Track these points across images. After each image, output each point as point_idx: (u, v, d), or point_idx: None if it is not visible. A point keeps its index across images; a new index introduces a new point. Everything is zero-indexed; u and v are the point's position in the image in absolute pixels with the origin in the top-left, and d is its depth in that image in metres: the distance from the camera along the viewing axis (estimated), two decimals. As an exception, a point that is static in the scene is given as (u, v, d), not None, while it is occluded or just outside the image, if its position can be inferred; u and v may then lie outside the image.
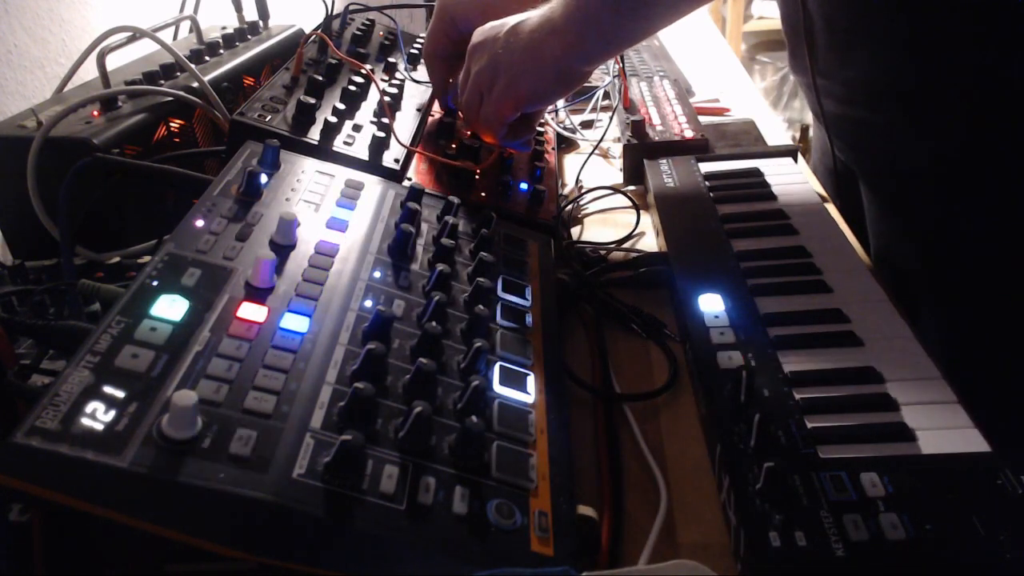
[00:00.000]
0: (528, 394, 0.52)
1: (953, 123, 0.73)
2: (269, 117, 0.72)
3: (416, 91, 0.91)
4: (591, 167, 0.95)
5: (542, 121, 0.94)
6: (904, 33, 0.72)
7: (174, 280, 0.48)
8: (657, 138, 0.91)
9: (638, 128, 0.92)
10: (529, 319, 0.59)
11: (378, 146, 0.74)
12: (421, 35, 1.06)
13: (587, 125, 1.05)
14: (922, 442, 0.49)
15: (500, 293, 0.60)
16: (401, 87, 0.87)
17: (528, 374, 0.53)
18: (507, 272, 0.63)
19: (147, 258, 0.70)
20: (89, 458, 0.36)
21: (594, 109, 1.04)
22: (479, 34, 0.73)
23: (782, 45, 0.92)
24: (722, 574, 0.44)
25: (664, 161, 0.87)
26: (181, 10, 1.14)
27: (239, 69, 0.97)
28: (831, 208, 0.81)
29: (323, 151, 0.71)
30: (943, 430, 0.50)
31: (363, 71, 0.85)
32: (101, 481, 0.36)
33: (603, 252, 0.79)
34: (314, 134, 0.72)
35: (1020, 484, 0.45)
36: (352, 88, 0.81)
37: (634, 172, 0.90)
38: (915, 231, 0.83)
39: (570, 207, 0.87)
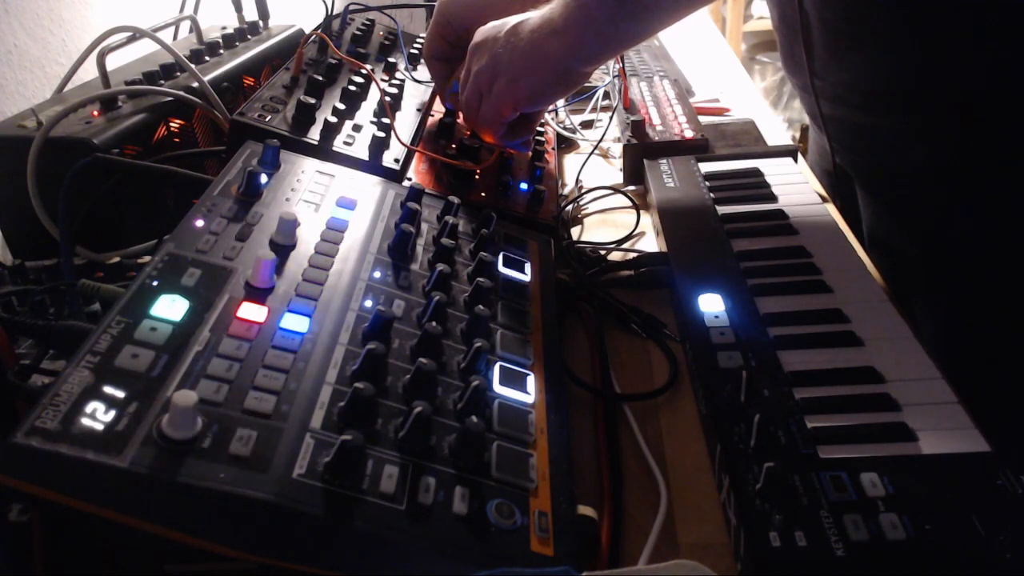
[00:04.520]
0: (528, 394, 0.52)
1: (950, 124, 0.73)
2: (269, 117, 0.72)
3: (416, 91, 0.91)
4: (591, 167, 0.95)
5: (542, 121, 0.94)
6: (901, 34, 0.72)
7: (174, 280, 0.48)
8: (657, 138, 0.91)
9: (638, 128, 0.91)
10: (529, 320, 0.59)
11: (378, 146, 0.74)
12: (421, 35, 1.06)
13: (587, 125, 1.05)
14: (922, 442, 0.49)
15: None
16: (401, 87, 0.87)
17: (528, 374, 0.53)
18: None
19: (147, 258, 0.70)
20: (89, 458, 0.36)
21: (594, 109, 1.04)
22: (480, 34, 0.73)
23: (782, 45, 0.92)
24: (722, 574, 0.44)
25: (664, 161, 0.87)
26: (181, 10, 1.14)
27: (239, 69, 0.97)
28: (831, 208, 0.81)
29: (323, 151, 0.71)
30: (943, 430, 0.50)
31: (363, 71, 0.85)
32: (101, 481, 0.36)
33: (603, 252, 0.79)
34: (314, 134, 0.72)
35: (1020, 484, 0.45)
36: (352, 88, 0.81)
37: (634, 172, 0.90)
38: (911, 231, 0.82)
39: (570, 207, 0.87)
